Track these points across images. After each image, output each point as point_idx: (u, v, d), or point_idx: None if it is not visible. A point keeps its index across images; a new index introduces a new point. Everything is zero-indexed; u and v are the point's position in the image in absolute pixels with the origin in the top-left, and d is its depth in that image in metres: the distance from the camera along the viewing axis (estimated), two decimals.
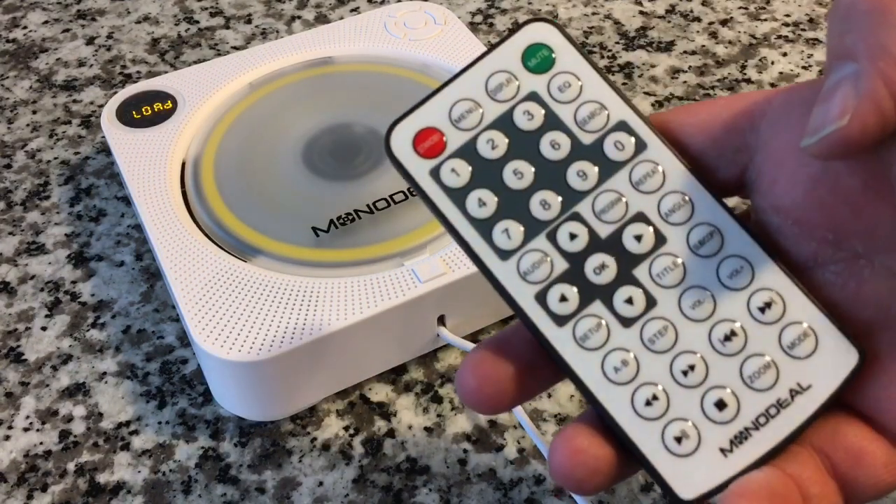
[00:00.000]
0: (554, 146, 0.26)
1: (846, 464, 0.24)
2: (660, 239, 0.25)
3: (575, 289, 0.25)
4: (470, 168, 0.26)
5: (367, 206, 0.42)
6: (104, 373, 0.42)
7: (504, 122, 0.26)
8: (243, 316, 0.37)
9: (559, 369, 0.25)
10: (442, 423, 0.40)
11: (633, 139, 0.26)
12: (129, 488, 0.38)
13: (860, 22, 0.22)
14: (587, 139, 0.26)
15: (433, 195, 0.26)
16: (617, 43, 0.59)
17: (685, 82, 0.56)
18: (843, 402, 0.25)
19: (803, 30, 0.60)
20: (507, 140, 0.26)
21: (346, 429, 0.40)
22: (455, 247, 0.40)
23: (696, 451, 0.24)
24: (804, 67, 0.57)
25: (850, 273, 0.25)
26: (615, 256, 0.25)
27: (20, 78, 0.57)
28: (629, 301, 0.25)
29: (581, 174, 0.26)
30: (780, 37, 0.59)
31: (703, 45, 0.59)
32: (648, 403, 0.24)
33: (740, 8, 0.62)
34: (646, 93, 0.55)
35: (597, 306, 0.25)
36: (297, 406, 0.40)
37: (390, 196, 0.43)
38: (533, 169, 0.26)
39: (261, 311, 0.37)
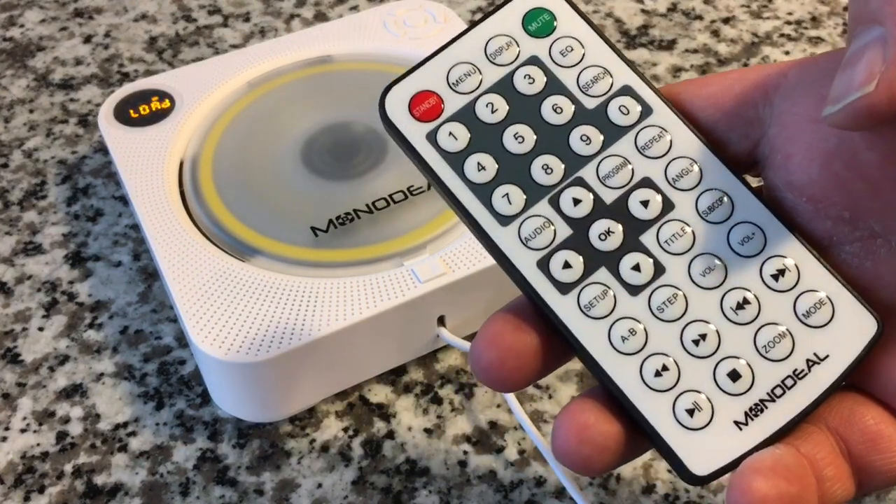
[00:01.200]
0: (556, 110, 0.25)
1: (862, 447, 0.23)
2: (667, 205, 0.25)
3: (579, 256, 0.24)
4: (468, 132, 0.25)
5: (367, 205, 0.42)
6: (101, 374, 0.41)
7: (504, 86, 0.26)
8: (241, 316, 0.37)
9: (556, 330, 0.24)
10: (442, 425, 0.39)
11: (638, 104, 0.25)
12: (127, 490, 0.37)
13: None
14: (590, 104, 0.26)
15: (430, 159, 0.25)
16: (618, 41, 0.58)
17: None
18: (859, 386, 0.24)
19: (806, 28, 0.59)
20: (507, 104, 0.26)
21: (345, 430, 0.39)
22: (455, 247, 0.40)
23: (710, 425, 0.23)
24: None
25: (866, 253, 0.24)
26: (621, 222, 0.24)
27: (17, 76, 0.57)
28: (636, 268, 0.24)
29: (584, 138, 0.25)
30: (782, 35, 0.59)
31: (705, 44, 0.58)
32: (658, 374, 0.23)
33: (742, 6, 0.61)
34: None
35: (602, 274, 0.24)
36: (295, 407, 0.39)
37: (390, 196, 0.42)
38: (534, 133, 0.25)
39: (259, 311, 0.37)
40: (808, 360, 0.23)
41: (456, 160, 0.25)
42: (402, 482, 0.37)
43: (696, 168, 0.25)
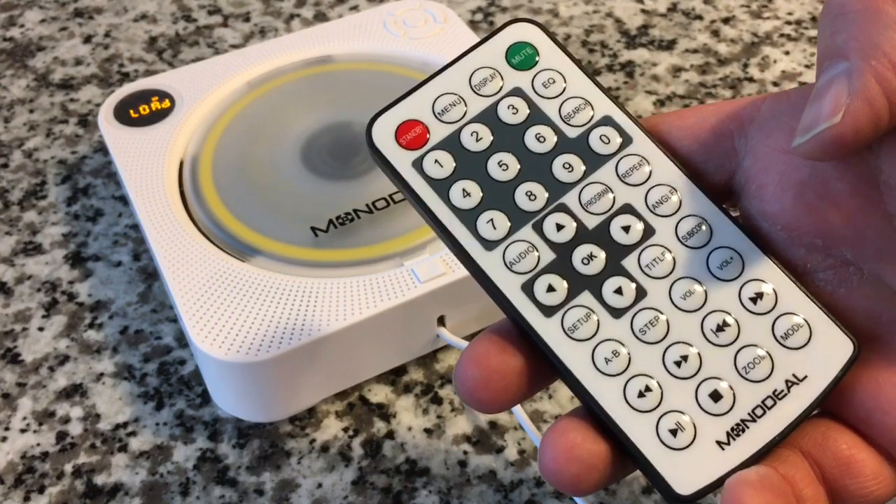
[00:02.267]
0: (539, 139, 0.26)
1: (835, 471, 0.24)
2: (648, 230, 0.25)
3: (563, 279, 0.25)
4: (453, 160, 0.26)
5: (367, 205, 0.42)
6: (101, 374, 0.41)
7: (488, 116, 0.26)
8: (241, 316, 0.37)
9: (541, 354, 0.24)
10: (442, 425, 0.39)
11: (618, 133, 0.26)
12: (127, 490, 0.37)
13: (852, 21, 0.22)
14: (572, 133, 0.26)
15: (416, 186, 0.26)
16: (618, 41, 0.58)
17: (687, 81, 0.55)
18: (833, 412, 0.25)
19: (805, 28, 0.59)
20: (491, 133, 0.26)
21: (345, 430, 0.39)
22: None
23: (693, 445, 0.23)
24: (807, 66, 0.56)
25: (839, 280, 0.25)
26: (603, 247, 0.25)
27: (17, 77, 0.57)
28: (618, 291, 0.25)
29: (567, 166, 0.26)
30: (782, 35, 0.59)
31: (705, 44, 0.58)
32: (641, 395, 0.24)
33: (742, 6, 0.61)
34: (647, 91, 0.55)
35: (585, 297, 0.25)
36: (295, 407, 0.39)
37: (390, 196, 0.42)
38: (518, 161, 0.26)
39: (259, 311, 0.37)
40: (787, 381, 0.24)
41: (441, 187, 0.26)
42: (402, 482, 0.37)
43: (675, 195, 0.26)
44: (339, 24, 0.52)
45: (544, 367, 0.25)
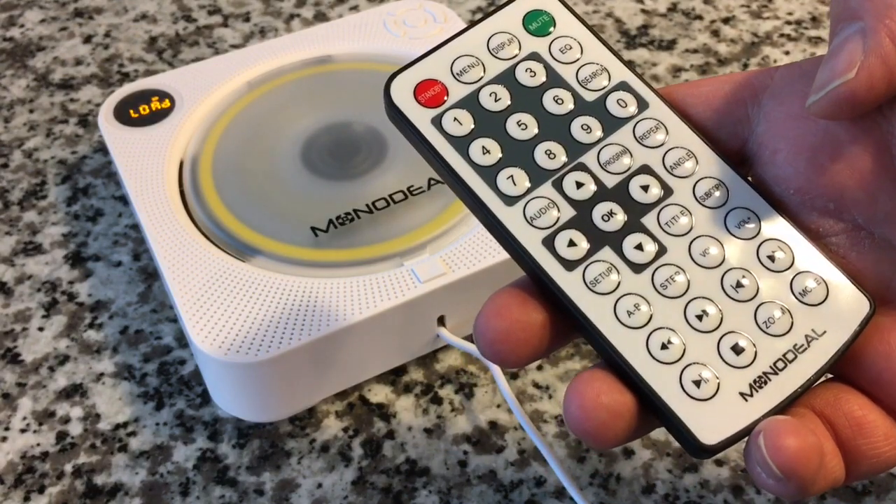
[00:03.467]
0: (557, 101, 0.27)
1: (848, 431, 0.24)
2: (666, 190, 0.26)
3: (583, 235, 0.25)
4: (472, 118, 0.26)
5: (367, 205, 0.42)
6: (101, 374, 0.41)
7: (506, 78, 0.27)
8: (241, 316, 0.37)
9: (561, 308, 0.24)
10: (442, 425, 0.39)
11: (634, 98, 0.27)
12: (127, 490, 0.37)
13: None
14: (590, 97, 0.27)
15: (436, 143, 0.26)
16: (618, 41, 0.58)
17: (687, 81, 0.55)
18: (844, 375, 0.25)
19: (806, 28, 0.59)
20: (509, 94, 0.27)
21: (345, 430, 0.39)
22: (455, 247, 0.40)
23: (716, 396, 0.23)
24: None
25: (850, 244, 0.25)
26: (623, 205, 0.25)
27: (17, 76, 0.57)
28: (639, 247, 0.25)
29: (585, 127, 0.26)
30: (782, 35, 0.59)
31: (705, 44, 0.58)
32: (664, 347, 0.24)
33: (742, 6, 0.61)
34: None
35: (606, 252, 0.25)
36: (295, 407, 0.39)
37: (390, 196, 0.42)
38: (536, 122, 0.26)
39: (259, 311, 0.37)
40: (807, 336, 0.24)
41: (461, 144, 0.26)
42: (402, 482, 0.37)
43: (692, 158, 0.26)
44: (339, 24, 0.52)
45: (565, 323, 0.25)
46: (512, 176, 0.25)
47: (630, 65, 0.27)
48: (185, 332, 0.38)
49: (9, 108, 0.55)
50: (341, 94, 0.48)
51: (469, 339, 0.41)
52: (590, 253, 0.25)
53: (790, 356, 0.24)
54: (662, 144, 0.26)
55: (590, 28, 0.27)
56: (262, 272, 0.39)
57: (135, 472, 0.38)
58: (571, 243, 0.25)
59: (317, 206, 0.42)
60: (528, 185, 0.25)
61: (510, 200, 0.25)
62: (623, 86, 0.27)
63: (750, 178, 0.27)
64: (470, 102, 0.26)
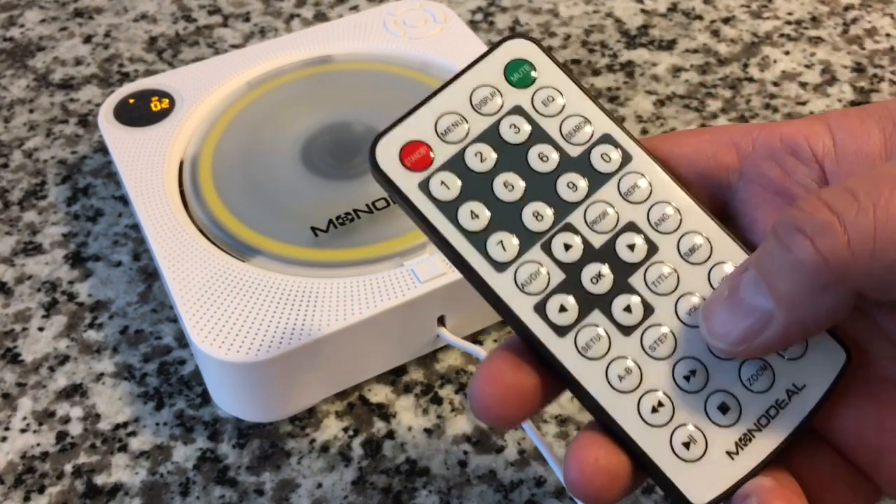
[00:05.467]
0: (542, 158, 0.27)
1: (819, 490, 0.25)
2: (652, 247, 0.26)
3: (573, 299, 0.25)
4: (459, 181, 0.26)
5: (367, 205, 0.42)
6: (101, 374, 0.41)
7: (491, 135, 0.27)
8: (241, 316, 0.37)
9: (553, 372, 0.25)
10: (442, 425, 0.39)
11: (618, 151, 0.27)
12: (127, 490, 0.37)
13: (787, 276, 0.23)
14: (574, 151, 0.27)
15: (423, 208, 0.26)
16: (618, 41, 0.58)
17: (687, 81, 0.55)
18: (818, 430, 0.26)
19: (805, 28, 0.59)
20: (495, 153, 0.27)
21: (345, 430, 0.39)
22: None
23: (705, 456, 0.24)
24: (807, 66, 0.56)
25: None
26: (610, 265, 0.26)
27: (17, 76, 0.57)
28: (627, 309, 0.25)
29: (571, 185, 0.26)
30: (782, 35, 0.59)
31: (705, 44, 0.58)
32: (654, 410, 0.24)
33: (742, 6, 0.61)
34: (647, 91, 0.55)
35: (596, 315, 0.25)
36: (295, 407, 0.39)
37: (390, 196, 0.42)
38: (523, 181, 0.26)
39: (259, 311, 0.37)
40: (787, 391, 0.25)
41: (449, 209, 0.26)
42: (402, 482, 0.37)
43: (675, 212, 0.26)
44: (339, 24, 0.52)
45: (555, 381, 0.25)
46: (501, 241, 0.26)
47: (611, 114, 0.27)
48: (185, 332, 0.38)
49: (9, 108, 0.55)
50: (341, 94, 0.48)
51: (469, 338, 0.41)
52: (580, 317, 0.25)
53: (772, 412, 0.25)
54: (647, 199, 0.26)
55: (570, 76, 0.28)
56: (262, 272, 0.39)
57: (135, 472, 0.38)
58: (563, 308, 0.25)
59: (317, 206, 0.42)
60: (517, 249, 0.26)
61: (501, 267, 0.25)
62: (606, 138, 0.27)
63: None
64: (456, 164, 0.26)
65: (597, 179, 0.26)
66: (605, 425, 0.25)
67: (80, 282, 0.45)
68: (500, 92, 0.27)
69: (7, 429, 0.40)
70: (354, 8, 0.62)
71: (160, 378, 0.41)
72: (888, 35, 0.59)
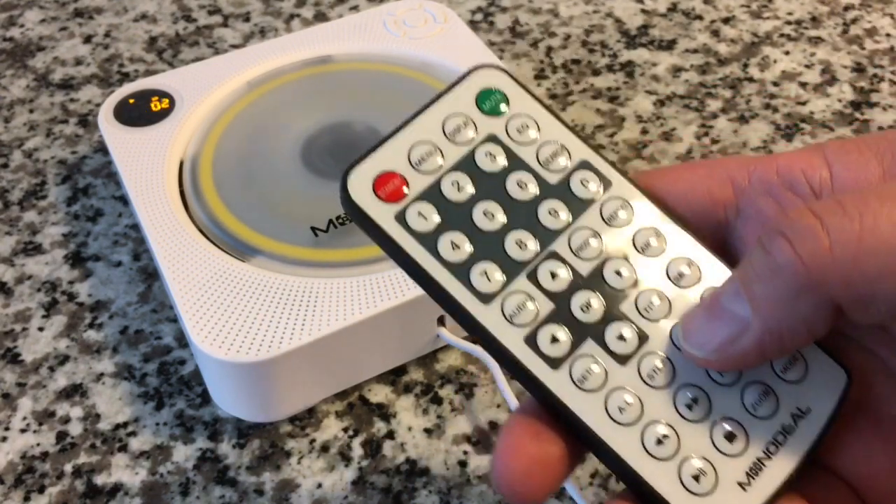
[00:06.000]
0: (521, 186, 0.26)
1: None
2: (641, 272, 0.25)
3: (565, 329, 0.24)
4: (437, 211, 0.25)
5: None
6: (101, 374, 0.41)
7: (467, 164, 0.26)
8: (241, 316, 0.37)
9: (556, 415, 0.24)
10: (442, 425, 0.39)
11: (598, 177, 0.26)
12: (127, 490, 0.37)
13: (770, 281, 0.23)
14: (553, 178, 0.26)
15: (401, 241, 0.25)
16: (618, 41, 0.58)
17: (687, 81, 0.55)
18: (827, 465, 0.25)
19: (805, 28, 0.59)
20: (471, 182, 0.26)
21: (345, 430, 0.39)
22: None
23: (716, 489, 0.23)
24: (807, 66, 0.56)
25: (835, 343, 0.25)
26: (600, 293, 0.25)
27: (17, 76, 0.57)
28: (621, 338, 0.24)
29: (553, 213, 0.26)
30: (782, 35, 0.59)
31: (705, 44, 0.58)
32: (660, 442, 0.23)
33: (742, 6, 0.61)
34: (647, 91, 0.55)
35: (590, 345, 0.24)
36: (295, 407, 0.39)
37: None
38: (503, 210, 0.25)
39: (259, 311, 0.37)
40: (793, 415, 0.24)
41: (428, 240, 0.25)
42: (402, 482, 0.37)
43: (660, 237, 0.26)
44: (339, 24, 0.52)
45: (580, 445, 0.24)
46: (486, 271, 0.25)
47: (587, 141, 0.27)
48: (185, 332, 0.38)
49: (9, 108, 0.55)
50: (341, 94, 0.48)
51: (469, 338, 0.41)
52: (573, 347, 0.24)
53: (780, 438, 0.24)
54: (630, 224, 0.26)
55: (543, 104, 0.27)
56: (262, 272, 0.39)
57: (135, 472, 0.38)
58: (554, 339, 0.24)
59: (317, 206, 0.42)
60: (502, 280, 0.25)
61: (486, 298, 0.24)
62: (585, 165, 0.26)
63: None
64: (432, 194, 0.25)
65: (578, 206, 0.26)
66: (607, 461, 0.24)
67: (80, 282, 0.45)
68: (472, 121, 0.26)
69: (7, 429, 0.40)
70: (354, 8, 0.62)
71: (160, 378, 0.41)
72: (888, 35, 0.59)
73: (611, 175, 0.26)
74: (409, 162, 0.26)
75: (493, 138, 0.26)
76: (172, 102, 0.47)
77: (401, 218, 0.25)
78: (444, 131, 0.26)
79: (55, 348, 0.43)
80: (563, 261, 0.25)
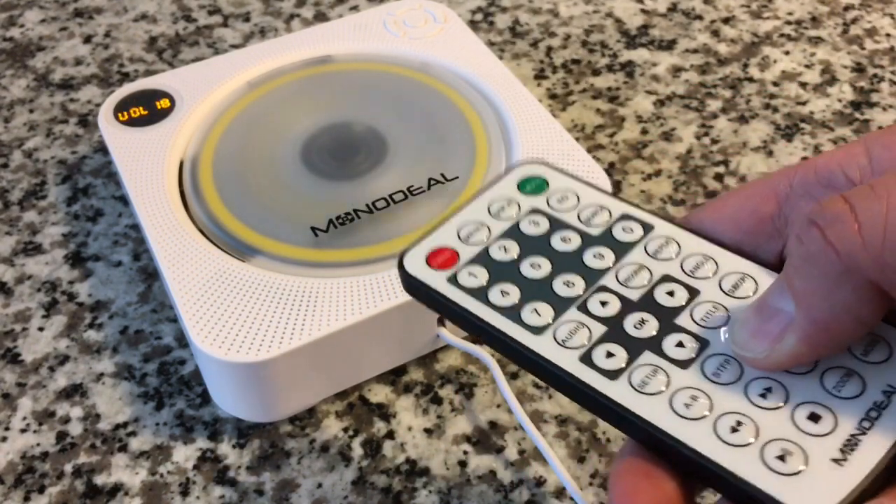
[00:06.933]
0: (565, 241, 0.27)
1: None
2: (692, 292, 0.26)
3: (620, 346, 0.25)
4: (487, 270, 0.27)
5: (367, 205, 0.42)
6: (101, 374, 0.41)
7: (513, 232, 0.28)
8: (241, 316, 0.37)
9: (614, 423, 0.24)
10: (442, 425, 0.39)
11: (639, 224, 0.27)
12: (127, 490, 0.37)
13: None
14: (595, 231, 0.28)
15: (454, 297, 0.26)
16: (618, 41, 0.58)
17: (687, 81, 0.55)
18: None
19: (805, 28, 0.59)
20: (517, 245, 0.28)
21: (345, 430, 0.39)
22: None
23: (807, 467, 0.22)
24: (807, 66, 0.56)
25: None
26: (653, 312, 0.25)
27: (17, 76, 0.57)
28: (680, 345, 0.24)
29: (598, 256, 0.27)
30: (782, 35, 0.59)
31: (705, 44, 0.58)
32: (735, 430, 0.23)
33: (742, 6, 0.61)
34: (647, 91, 0.55)
35: (648, 356, 0.24)
36: (295, 407, 0.39)
37: (390, 196, 0.42)
38: (549, 261, 0.27)
39: (259, 311, 0.37)
40: (884, 392, 0.23)
41: (479, 293, 0.26)
42: (402, 482, 0.37)
43: (709, 260, 0.26)
44: (339, 24, 0.52)
45: (692, 481, 0.23)
46: (536, 309, 0.26)
47: (628, 200, 0.28)
48: (185, 332, 0.38)
49: (9, 108, 0.55)
50: (341, 94, 0.48)
51: (469, 338, 0.41)
52: (631, 360, 0.24)
53: (874, 414, 0.23)
54: (677, 255, 0.26)
55: (582, 180, 0.29)
56: (262, 272, 0.39)
57: (135, 472, 0.38)
58: (610, 354, 0.24)
59: (317, 206, 0.42)
60: (553, 314, 0.26)
61: (538, 331, 0.25)
62: (626, 217, 0.28)
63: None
64: (482, 258, 0.27)
65: (623, 248, 0.27)
66: (681, 460, 0.23)
67: (80, 282, 0.45)
68: (516, 201, 0.29)
69: (7, 429, 0.40)
70: (354, 8, 0.62)
71: (160, 378, 0.41)
72: (888, 35, 0.59)
73: (652, 220, 0.27)
74: (459, 237, 0.28)
75: (535, 211, 0.29)
76: (172, 102, 0.47)
77: (453, 279, 0.27)
78: (489, 211, 0.29)
79: (55, 348, 0.43)
80: (613, 292, 0.26)
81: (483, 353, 0.40)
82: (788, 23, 0.60)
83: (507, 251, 0.27)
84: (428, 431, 0.39)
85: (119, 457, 0.38)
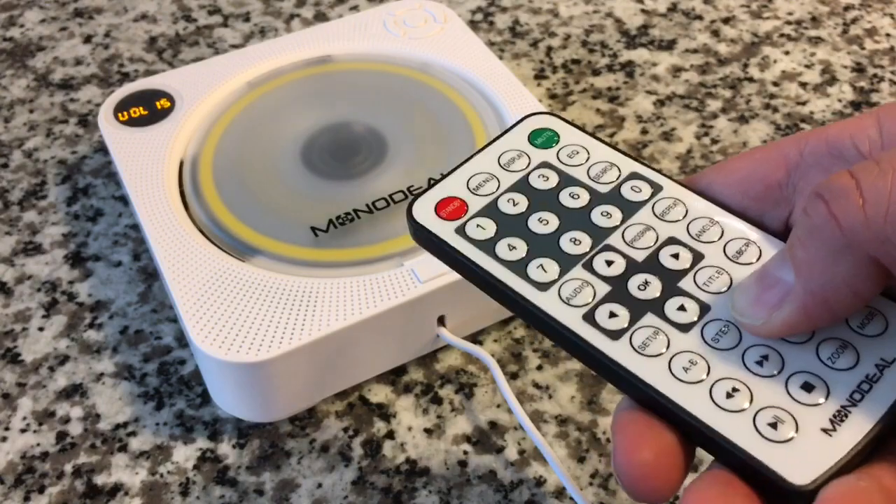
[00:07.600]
0: (573, 196, 0.28)
1: None
2: (697, 255, 0.26)
3: (623, 306, 0.25)
4: (494, 223, 0.27)
5: (367, 205, 0.42)
6: (101, 374, 0.41)
7: (521, 185, 0.28)
8: (241, 316, 0.37)
9: (612, 382, 0.24)
10: (442, 425, 0.39)
11: (648, 184, 0.28)
12: (127, 490, 0.37)
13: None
14: (604, 189, 0.28)
15: (462, 248, 0.27)
16: (618, 41, 0.58)
17: (687, 81, 0.55)
18: None
19: (805, 28, 0.59)
20: (526, 198, 0.28)
21: (345, 430, 0.39)
22: None
23: (797, 435, 0.22)
24: (807, 66, 0.56)
25: None
26: (656, 274, 0.26)
27: (17, 76, 0.57)
28: (682, 308, 0.25)
29: (605, 214, 0.27)
30: (782, 35, 0.59)
31: (705, 44, 0.58)
32: (730, 396, 0.23)
33: (742, 6, 0.61)
34: (647, 91, 0.55)
35: (650, 318, 0.25)
36: (295, 407, 0.39)
37: (390, 196, 0.42)
38: (557, 216, 0.27)
39: (259, 311, 0.37)
40: (877, 365, 0.24)
41: (487, 245, 0.27)
42: (402, 482, 0.37)
43: (715, 225, 0.27)
44: (339, 24, 0.52)
45: (688, 441, 0.24)
46: (542, 265, 0.26)
47: (638, 158, 0.28)
48: (185, 332, 0.38)
49: (9, 108, 0.55)
50: (341, 94, 0.48)
51: (469, 338, 0.41)
52: (633, 321, 0.25)
53: (865, 386, 0.23)
54: (683, 218, 0.27)
55: (593, 135, 0.29)
56: (262, 272, 0.39)
57: (135, 472, 0.38)
58: (612, 314, 0.25)
59: (317, 206, 0.42)
60: (558, 271, 0.26)
61: (543, 287, 0.26)
62: (634, 175, 0.28)
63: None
64: (490, 210, 0.27)
65: (630, 207, 0.27)
66: (676, 421, 0.23)
67: (80, 282, 0.45)
68: (526, 154, 0.29)
69: (7, 429, 0.40)
70: (354, 8, 0.62)
71: (160, 378, 0.41)
72: (888, 35, 0.59)
73: (661, 181, 0.28)
74: (468, 188, 0.28)
75: (545, 164, 0.29)
76: (172, 102, 0.47)
77: (461, 230, 0.27)
78: (499, 163, 0.29)
79: (55, 348, 0.43)
80: (618, 251, 0.26)
81: (483, 353, 0.40)
82: (788, 23, 0.60)
83: (515, 204, 0.28)
84: (428, 431, 0.39)
85: (119, 457, 0.38)
